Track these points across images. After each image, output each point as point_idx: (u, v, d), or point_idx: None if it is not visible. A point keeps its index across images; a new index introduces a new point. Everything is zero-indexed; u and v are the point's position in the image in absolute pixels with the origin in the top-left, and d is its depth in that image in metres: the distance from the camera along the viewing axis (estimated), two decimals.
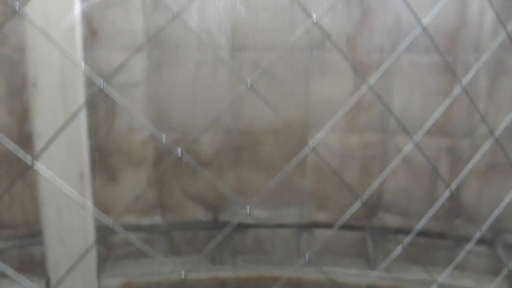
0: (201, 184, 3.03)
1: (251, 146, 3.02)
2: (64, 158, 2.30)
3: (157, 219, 3.10)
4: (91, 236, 2.56)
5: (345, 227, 3.19)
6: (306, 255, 1.39)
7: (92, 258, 2.64)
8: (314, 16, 1.16)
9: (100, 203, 2.87)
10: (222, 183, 3.05)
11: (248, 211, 1.69)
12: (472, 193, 2.87)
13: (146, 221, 3.09)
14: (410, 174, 2.94)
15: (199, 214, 3.14)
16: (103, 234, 2.94)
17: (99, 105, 2.82)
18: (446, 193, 2.41)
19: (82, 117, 2.36)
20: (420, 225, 2.23)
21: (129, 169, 2.93)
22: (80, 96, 2.33)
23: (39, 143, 2.21)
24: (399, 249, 2.53)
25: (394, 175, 2.96)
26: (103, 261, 2.89)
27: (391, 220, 3.04)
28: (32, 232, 2.92)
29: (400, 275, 2.80)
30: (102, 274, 2.77)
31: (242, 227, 3.14)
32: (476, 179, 2.84)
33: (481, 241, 2.92)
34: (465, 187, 2.86)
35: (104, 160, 2.86)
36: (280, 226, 3.15)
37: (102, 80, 1.06)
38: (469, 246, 2.19)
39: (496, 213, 2.00)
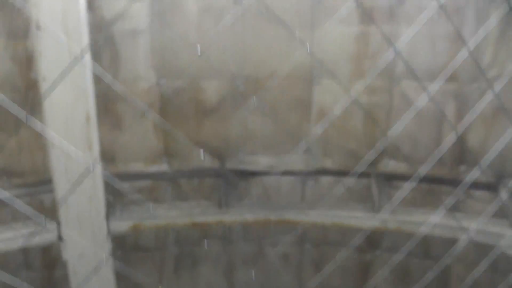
0: (208, 131, 3.05)
1: (256, 92, 3.02)
2: (70, 101, 2.32)
3: (163, 167, 3.15)
4: (99, 181, 2.60)
5: (350, 174, 3.24)
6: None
7: (100, 202, 2.69)
8: None
9: (106, 151, 2.92)
10: (228, 130, 3.07)
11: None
12: (477, 139, 2.86)
13: (153, 168, 3.14)
14: (416, 120, 2.93)
15: (206, 161, 3.18)
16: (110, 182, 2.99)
17: (103, 52, 2.82)
18: (453, 137, 2.41)
19: (87, 61, 2.36)
20: (426, 168, 2.25)
21: (135, 116, 2.95)
22: (84, 40, 2.32)
23: (44, 86, 2.22)
24: (407, 187, 2.57)
25: (400, 121, 2.96)
26: (111, 207, 2.96)
27: (396, 166, 3.05)
28: (43, 180, 2.99)
29: (404, 218, 2.84)
30: (111, 218, 2.83)
31: (248, 174, 3.18)
32: (482, 124, 2.83)
33: (485, 187, 2.96)
34: (470, 132, 2.86)
35: (110, 107, 2.88)
36: (286, 173, 3.19)
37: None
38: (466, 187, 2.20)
39: (495, 153, 2.01)
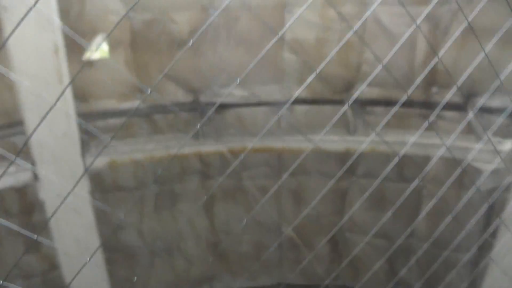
0: (181, 65, 3.00)
1: (228, 23, 2.96)
2: (36, 33, 2.23)
3: (137, 103, 3.10)
4: (72, 116, 2.56)
5: (325, 101, 3.27)
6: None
7: (75, 139, 2.66)
8: None
9: (78, 88, 2.85)
10: (201, 63, 3.02)
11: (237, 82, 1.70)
12: (448, 60, 2.90)
13: (126, 105, 3.09)
14: (389, 44, 2.94)
15: (180, 95, 3.15)
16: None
17: None
18: (434, 61, 2.43)
19: None
20: (405, 97, 2.28)
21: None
22: None
23: (5, 17, 2.12)
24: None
25: (373, 46, 2.96)
26: (86, 144, 2.92)
27: (369, 91, 3.09)
28: (14, 122, 2.92)
29: (378, 139, 2.89)
30: (87, 155, 2.81)
31: (224, 106, 3.17)
32: (452, 45, 2.86)
33: (454, 107, 3.04)
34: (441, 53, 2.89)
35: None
36: (261, 104, 3.19)
37: None
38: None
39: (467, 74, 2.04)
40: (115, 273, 3.30)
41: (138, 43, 2.91)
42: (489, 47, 2.14)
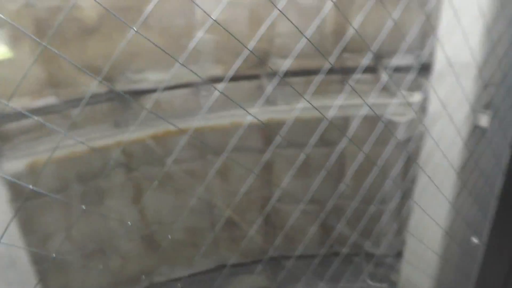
0: (91, 53, 2.86)
1: (138, 5, 2.87)
2: None
3: (51, 100, 2.92)
4: None
5: (241, 78, 3.30)
6: None
7: None
8: None
9: None
10: (112, 50, 2.91)
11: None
12: (356, 26, 3.07)
13: (39, 102, 2.89)
14: (299, 15, 3.04)
15: (94, 86, 3.00)
16: None
17: None
18: (351, 31, 2.55)
19: None
20: (328, 65, 2.36)
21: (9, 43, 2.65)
22: None
23: None
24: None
25: (283, 19, 3.05)
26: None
27: (285, 63, 3.18)
28: None
29: (297, 106, 3.00)
30: (2, 160, 2.60)
31: (140, 93, 3.09)
32: (359, 10, 3.03)
33: (367, 70, 3.23)
34: (350, 20, 3.05)
35: None
36: (178, 86, 3.15)
37: None
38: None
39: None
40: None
41: (44, 32, 2.73)
42: (397, 13, 2.30)
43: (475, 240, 2.65)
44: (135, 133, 2.95)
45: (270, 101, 3.13)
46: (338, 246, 3.83)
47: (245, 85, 3.25)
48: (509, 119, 2.41)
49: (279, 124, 3.26)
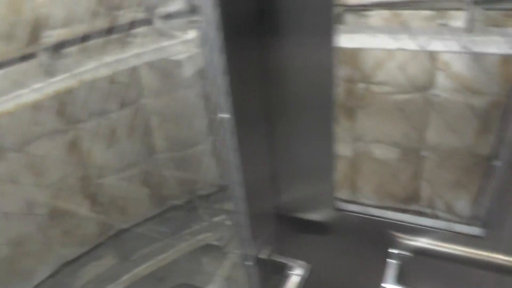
0: None
1: None
2: None
3: None
4: None
5: (11, 61, 3.07)
6: None
7: None
8: None
9: None
10: None
11: None
12: None
13: None
14: None
15: None
16: None
17: None
18: None
19: None
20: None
21: None
22: None
23: None
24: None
25: None
26: None
27: (59, 34, 3.05)
28: None
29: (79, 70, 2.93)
30: None
31: None
32: None
33: (141, 23, 3.28)
34: None
35: None
36: None
37: None
38: None
39: None
40: None
41: None
42: None
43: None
44: None
45: (50, 73, 2.99)
46: (172, 200, 3.94)
47: (21, 67, 3.04)
48: None
49: (70, 96, 3.17)
